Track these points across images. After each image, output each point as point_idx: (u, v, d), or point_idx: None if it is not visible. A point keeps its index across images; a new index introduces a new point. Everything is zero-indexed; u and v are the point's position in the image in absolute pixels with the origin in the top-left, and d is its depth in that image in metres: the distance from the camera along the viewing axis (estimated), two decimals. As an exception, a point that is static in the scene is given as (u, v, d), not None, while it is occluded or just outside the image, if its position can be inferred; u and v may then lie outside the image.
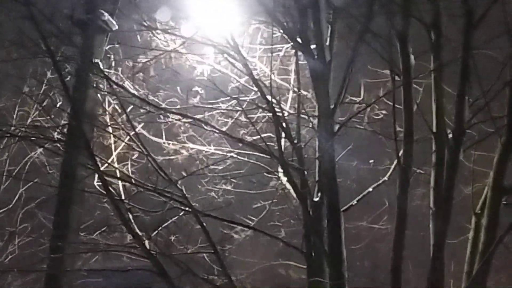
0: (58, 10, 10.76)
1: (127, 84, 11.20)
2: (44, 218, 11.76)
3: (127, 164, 11.25)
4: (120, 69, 11.49)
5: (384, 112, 11.65)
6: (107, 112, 11.25)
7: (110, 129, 11.14)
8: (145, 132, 11.32)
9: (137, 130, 10.66)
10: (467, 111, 9.85)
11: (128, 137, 10.64)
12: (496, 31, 9.86)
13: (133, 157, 11.33)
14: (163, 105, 11.31)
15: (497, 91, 9.92)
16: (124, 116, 10.66)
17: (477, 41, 9.84)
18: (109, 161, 10.92)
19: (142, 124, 11.21)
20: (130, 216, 10.17)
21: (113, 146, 11.16)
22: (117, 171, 10.77)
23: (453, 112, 9.94)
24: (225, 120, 11.67)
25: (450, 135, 9.82)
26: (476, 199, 10.22)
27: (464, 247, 10.29)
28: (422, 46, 10.19)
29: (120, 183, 10.64)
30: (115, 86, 10.72)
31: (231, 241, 12.37)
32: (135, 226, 10.01)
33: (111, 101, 11.10)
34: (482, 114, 10.09)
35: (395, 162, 10.67)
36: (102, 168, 10.30)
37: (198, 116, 11.27)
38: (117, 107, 10.85)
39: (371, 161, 12.13)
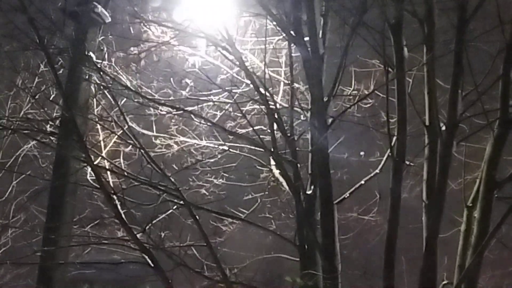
0: (51, 2, 10.44)
1: (120, 76, 10.89)
2: (37, 211, 11.41)
3: (119, 159, 10.94)
4: (113, 60, 11.16)
5: (372, 103, 11.40)
6: (99, 105, 10.91)
7: (102, 122, 10.79)
8: (136, 127, 10.99)
9: (129, 123, 10.33)
10: (460, 104, 9.58)
11: (121, 131, 10.30)
12: (488, 24, 9.61)
13: (125, 152, 11.02)
14: (156, 97, 11.02)
15: (489, 84, 9.70)
16: (116, 109, 10.33)
17: (470, 34, 9.58)
18: (102, 154, 10.58)
19: (133, 116, 10.87)
20: (123, 210, 9.89)
21: (101, 140, 10.82)
22: (109, 165, 10.43)
23: (444, 105, 9.70)
24: (214, 113, 11.37)
25: (443, 128, 9.56)
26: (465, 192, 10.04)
27: (454, 240, 10.08)
28: (415, 39, 9.93)
29: (110, 176, 10.32)
30: (107, 78, 10.39)
31: (222, 234, 12.12)
32: (128, 220, 9.72)
33: (105, 94, 10.72)
34: (474, 107, 9.86)
35: (387, 154, 10.47)
36: (94, 162, 9.97)
37: (190, 108, 10.98)
38: (110, 99, 10.47)
39: (362, 152, 11.86)
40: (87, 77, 10.77)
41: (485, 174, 9.38)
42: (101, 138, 10.84)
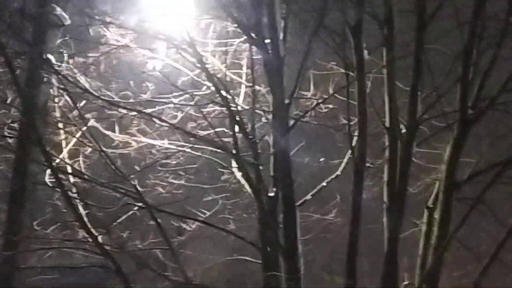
0: (9, 4, 10.28)
1: (79, 78, 10.79)
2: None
3: (79, 160, 10.83)
4: (71, 62, 11.03)
5: (332, 106, 11.41)
6: (58, 107, 10.79)
7: (61, 125, 10.68)
8: (98, 125, 10.91)
9: (89, 124, 10.24)
10: (420, 106, 9.64)
11: (80, 133, 10.21)
12: (447, 26, 9.67)
13: (85, 153, 10.91)
14: (116, 99, 10.92)
15: (448, 86, 9.78)
16: (75, 111, 10.23)
17: (429, 36, 9.63)
18: (61, 156, 10.47)
19: (94, 119, 10.80)
20: (84, 212, 9.82)
21: (64, 142, 10.72)
22: (69, 167, 10.34)
23: (404, 107, 9.75)
24: (175, 113, 11.30)
25: (403, 130, 9.61)
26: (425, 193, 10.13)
27: (414, 240, 10.15)
28: (375, 41, 9.97)
29: (72, 179, 10.23)
30: (66, 81, 10.29)
31: (184, 233, 12.06)
32: (89, 222, 9.65)
33: (64, 96, 10.61)
34: (433, 109, 9.93)
35: (347, 156, 10.51)
36: (54, 164, 9.87)
37: (150, 110, 10.90)
38: (69, 101, 10.36)
39: (322, 159, 11.85)
40: (45, 79, 10.66)
41: (445, 175, 9.46)
42: (61, 139, 10.72)
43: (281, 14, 10.16)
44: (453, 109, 9.68)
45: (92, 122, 10.63)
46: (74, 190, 10.11)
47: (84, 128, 10.07)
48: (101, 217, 10.01)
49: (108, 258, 9.35)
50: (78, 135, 10.51)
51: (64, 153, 10.71)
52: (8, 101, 10.67)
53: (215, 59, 11.24)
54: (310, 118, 11.10)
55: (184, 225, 11.75)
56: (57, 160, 10.24)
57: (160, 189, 11.59)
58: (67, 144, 10.77)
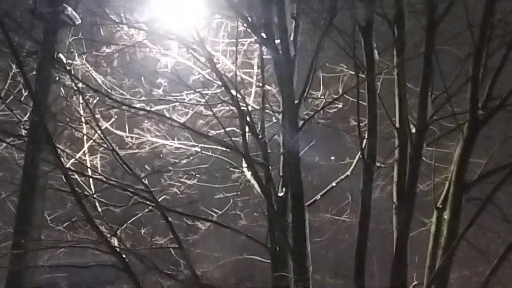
0: (20, 4, 10.30)
1: (91, 76, 10.83)
2: (7, 214, 11.24)
3: (97, 157, 10.85)
4: (83, 57, 11.06)
5: (342, 105, 11.39)
6: (73, 106, 10.81)
7: (78, 124, 10.71)
8: (109, 127, 10.95)
9: (103, 126, 10.29)
10: (430, 107, 9.58)
11: (95, 132, 10.23)
12: (458, 27, 9.60)
13: (102, 149, 10.93)
14: (127, 96, 10.94)
15: (458, 87, 9.72)
16: (88, 111, 10.26)
17: (439, 37, 9.57)
18: (78, 155, 10.51)
19: (107, 118, 10.84)
20: (97, 211, 9.84)
21: (85, 139, 10.76)
22: (81, 167, 10.36)
23: (414, 107, 9.70)
24: (186, 112, 11.30)
25: (413, 130, 9.55)
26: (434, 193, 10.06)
27: (423, 239, 10.09)
28: (384, 42, 9.93)
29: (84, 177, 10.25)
30: (77, 81, 10.31)
31: (196, 231, 12.07)
32: (101, 221, 9.65)
33: (75, 95, 10.64)
34: (443, 109, 9.88)
35: (358, 156, 10.48)
36: (70, 162, 9.90)
37: (161, 107, 10.92)
38: (85, 101, 10.38)
39: (332, 157, 11.83)
40: (57, 78, 10.69)
41: (455, 176, 9.36)
42: (81, 136, 10.77)
43: (291, 14, 10.16)
44: (463, 110, 9.61)
45: (104, 123, 10.66)
46: (91, 189, 10.14)
47: (98, 130, 10.03)
48: (113, 216, 10.01)
49: (117, 256, 9.33)
50: (93, 134, 10.54)
51: (81, 152, 10.75)
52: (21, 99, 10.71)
53: (226, 58, 11.26)
54: (320, 119, 11.07)
55: (198, 224, 11.77)
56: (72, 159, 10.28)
57: (172, 189, 11.61)
58: (87, 141, 10.82)
